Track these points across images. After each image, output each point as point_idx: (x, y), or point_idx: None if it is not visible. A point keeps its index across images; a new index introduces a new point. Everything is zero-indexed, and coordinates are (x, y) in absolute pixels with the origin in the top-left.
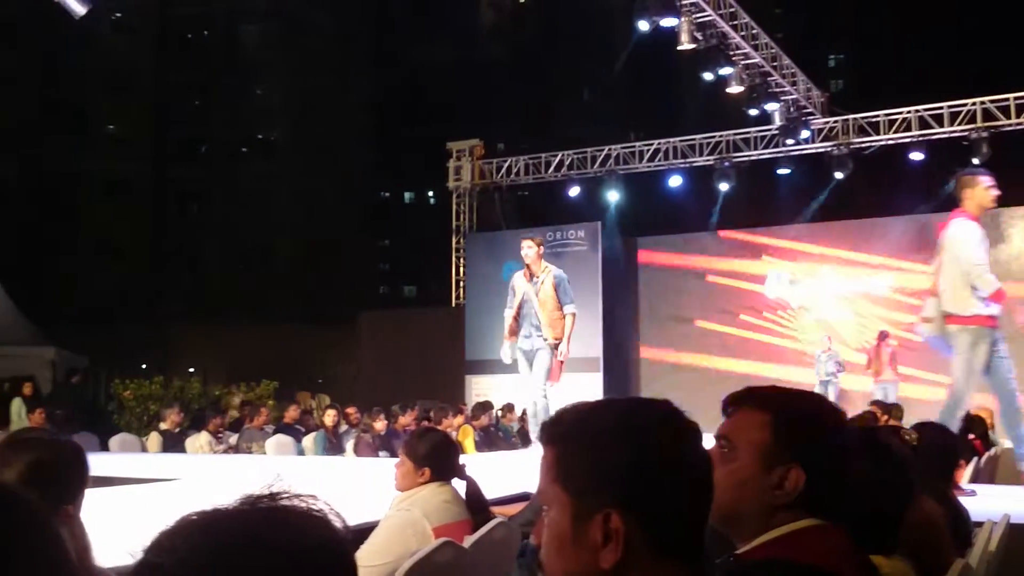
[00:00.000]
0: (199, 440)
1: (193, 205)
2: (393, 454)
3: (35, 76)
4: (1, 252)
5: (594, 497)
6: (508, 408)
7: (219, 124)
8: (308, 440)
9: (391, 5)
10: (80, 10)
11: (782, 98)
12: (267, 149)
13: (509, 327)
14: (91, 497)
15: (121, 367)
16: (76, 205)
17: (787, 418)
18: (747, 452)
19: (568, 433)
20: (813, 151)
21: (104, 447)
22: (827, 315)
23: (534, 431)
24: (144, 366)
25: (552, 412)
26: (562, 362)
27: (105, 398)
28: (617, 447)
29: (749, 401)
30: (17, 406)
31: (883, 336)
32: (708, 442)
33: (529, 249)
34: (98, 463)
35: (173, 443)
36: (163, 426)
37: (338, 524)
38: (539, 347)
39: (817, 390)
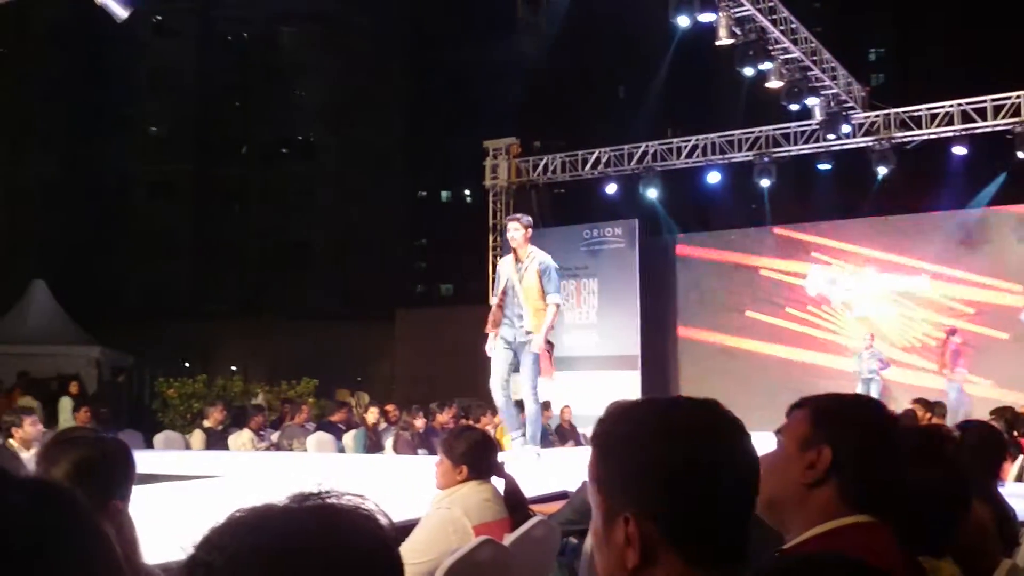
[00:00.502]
0: (241, 437)
1: (235, 205)
2: (432, 452)
3: (80, 78)
4: (47, 253)
5: (618, 499)
6: (545, 405)
7: (260, 125)
8: (348, 437)
9: (427, 4)
10: (122, 14)
11: (822, 93)
12: (307, 149)
13: (492, 317)
14: (136, 494)
15: (165, 366)
16: (120, 205)
17: (823, 408)
18: (789, 441)
19: (603, 434)
20: (854, 146)
21: (149, 445)
22: (869, 312)
23: (520, 440)
24: (187, 364)
25: (540, 413)
26: (551, 353)
27: (150, 396)
28: (642, 451)
29: (803, 404)
30: (66, 404)
31: (951, 332)
32: (757, 438)
33: (515, 231)
34: (143, 460)
35: (216, 440)
36: (206, 424)
37: (385, 523)
38: (522, 340)
39: (859, 387)
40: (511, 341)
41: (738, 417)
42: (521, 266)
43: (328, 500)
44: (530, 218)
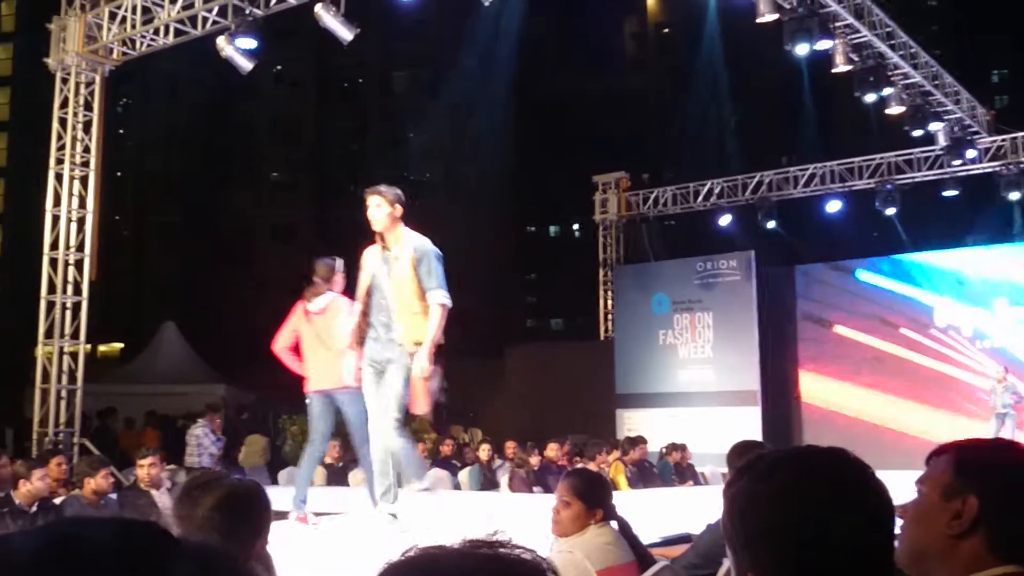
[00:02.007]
0: (360, 474)
1: (352, 244)
2: (547, 489)
3: (203, 127)
4: (176, 295)
5: (746, 558)
6: (673, 447)
7: (374, 167)
8: (464, 474)
9: (534, 40)
10: (247, 65)
11: (945, 117)
12: (418, 188)
13: (354, 330)
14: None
15: (288, 403)
16: (244, 248)
17: (966, 454)
18: (931, 489)
19: (731, 489)
20: (980, 171)
21: (273, 481)
22: (1004, 343)
23: (381, 488)
24: (308, 402)
25: (411, 456)
26: (429, 379)
27: (273, 433)
28: (768, 513)
29: (944, 451)
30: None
31: None
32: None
33: (377, 209)
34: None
35: (336, 477)
36: (327, 460)
37: None
38: (391, 357)
39: (993, 423)
40: (377, 361)
41: (868, 465)
42: (388, 255)
43: (500, 550)
44: (399, 192)
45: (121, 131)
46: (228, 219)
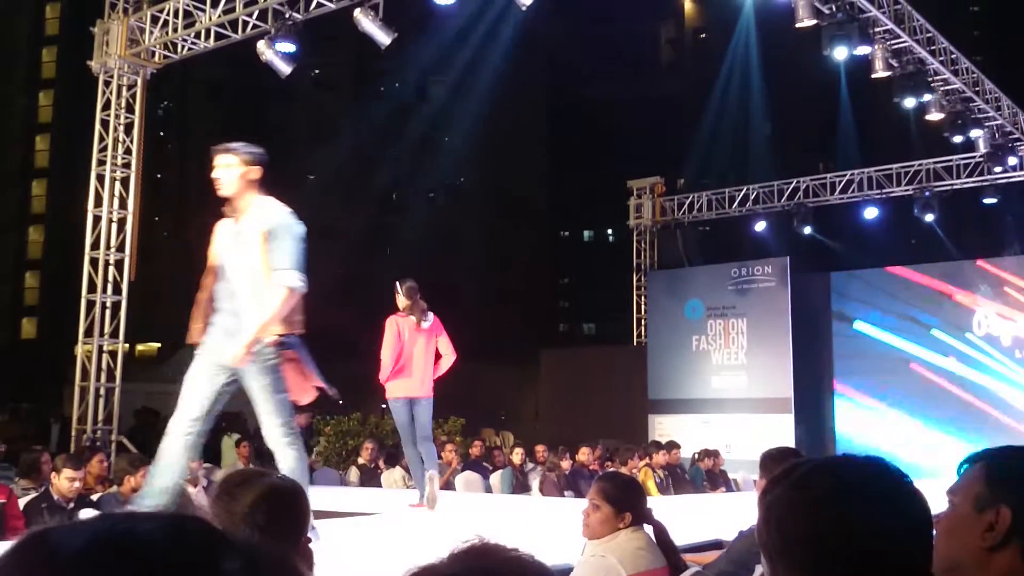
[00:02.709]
0: (394, 475)
1: (387, 248)
2: (578, 493)
3: (242, 130)
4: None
5: (782, 567)
6: (705, 453)
7: (411, 171)
8: (495, 477)
9: (570, 46)
10: (286, 69)
11: (986, 124)
12: (454, 193)
13: (196, 315)
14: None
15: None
16: None
17: (999, 464)
18: (963, 500)
19: (767, 497)
20: (1021, 179)
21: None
22: None
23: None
24: (342, 402)
25: (299, 470)
26: (298, 363)
27: (307, 434)
28: (805, 520)
29: (975, 459)
30: (229, 443)
31: None
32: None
33: (226, 170)
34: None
35: (369, 477)
36: (360, 460)
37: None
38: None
39: None
40: (215, 350)
41: (905, 473)
42: (237, 229)
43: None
44: (258, 151)
45: (161, 133)
46: None
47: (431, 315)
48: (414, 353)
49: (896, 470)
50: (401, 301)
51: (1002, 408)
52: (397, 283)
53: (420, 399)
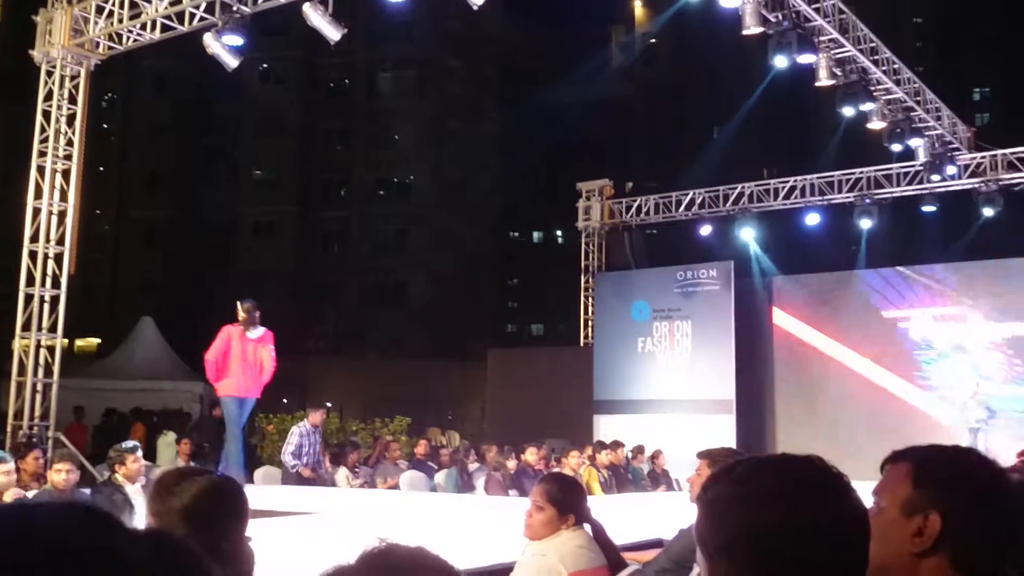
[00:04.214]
0: (337, 474)
1: (334, 245)
2: (523, 492)
3: (188, 124)
4: (155, 291)
5: (719, 563)
6: (639, 450)
7: (359, 167)
8: (440, 476)
9: (521, 47)
10: (232, 62)
11: (926, 133)
12: (403, 191)
13: None
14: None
15: (264, 401)
16: (226, 245)
17: (927, 467)
18: (890, 503)
19: (704, 494)
20: (959, 188)
21: (249, 479)
22: (976, 359)
23: None
24: (285, 400)
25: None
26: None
27: (249, 431)
28: (742, 515)
29: (899, 458)
30: (168, 439)
31: None
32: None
33: None
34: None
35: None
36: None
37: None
38: None
39: (966, 438)
40: None
41: (843, 473)
42: None
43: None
44: None
45: (105, 126)
46: (209, 215)
47: (262, 329)
48: (238, 358)
49: (834, 470)
50: (240, 315)
51: (932, 411)
52: (239, 302)
53: (246, 399)
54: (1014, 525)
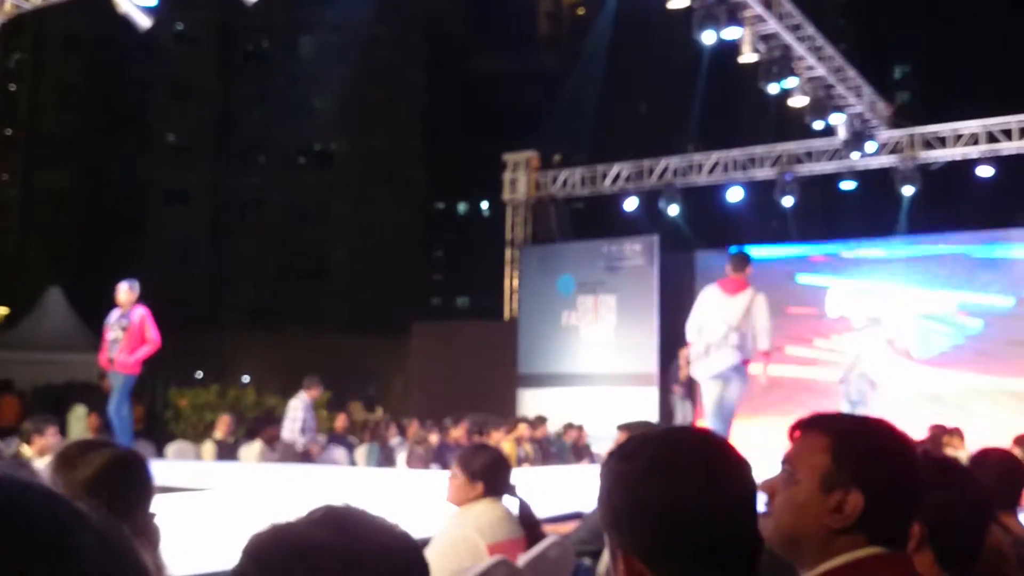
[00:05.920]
0: (252, 449)
1: (252, 214)
2: (445, 467)
3: (99, 86)
4: (63, 260)
5: (615, 537)
6: (571, 426)
7: (278, 134)
8: (361, 451)
9: (448, 16)
10: (145, 23)
11: (847, 111)
12: (324, 159)
13: None
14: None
15: (178, 375)
16: (137, 213)
17: (847, 441)
18: (807, 476)
19: (603, 470)
20: (878, 165)
21: (160, 454)
22: (893, 332)
23: None
24: (200, 375)
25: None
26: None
27: (162, 406)
28: (632, 490)
29: (813, 426)
30: (79, 413)
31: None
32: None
33: None
34: (154, 471)
35: (227, 452)
36: (217, 435)
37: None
38: None
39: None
40: None
41: (736, 450)
42: None
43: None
44: None
45: (12, 87)
46: (120, 182)
47: (138, 308)
48: (113, 336)
49: (723, 443)
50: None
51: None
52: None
53: (117, 372)
54: (921, 497)
